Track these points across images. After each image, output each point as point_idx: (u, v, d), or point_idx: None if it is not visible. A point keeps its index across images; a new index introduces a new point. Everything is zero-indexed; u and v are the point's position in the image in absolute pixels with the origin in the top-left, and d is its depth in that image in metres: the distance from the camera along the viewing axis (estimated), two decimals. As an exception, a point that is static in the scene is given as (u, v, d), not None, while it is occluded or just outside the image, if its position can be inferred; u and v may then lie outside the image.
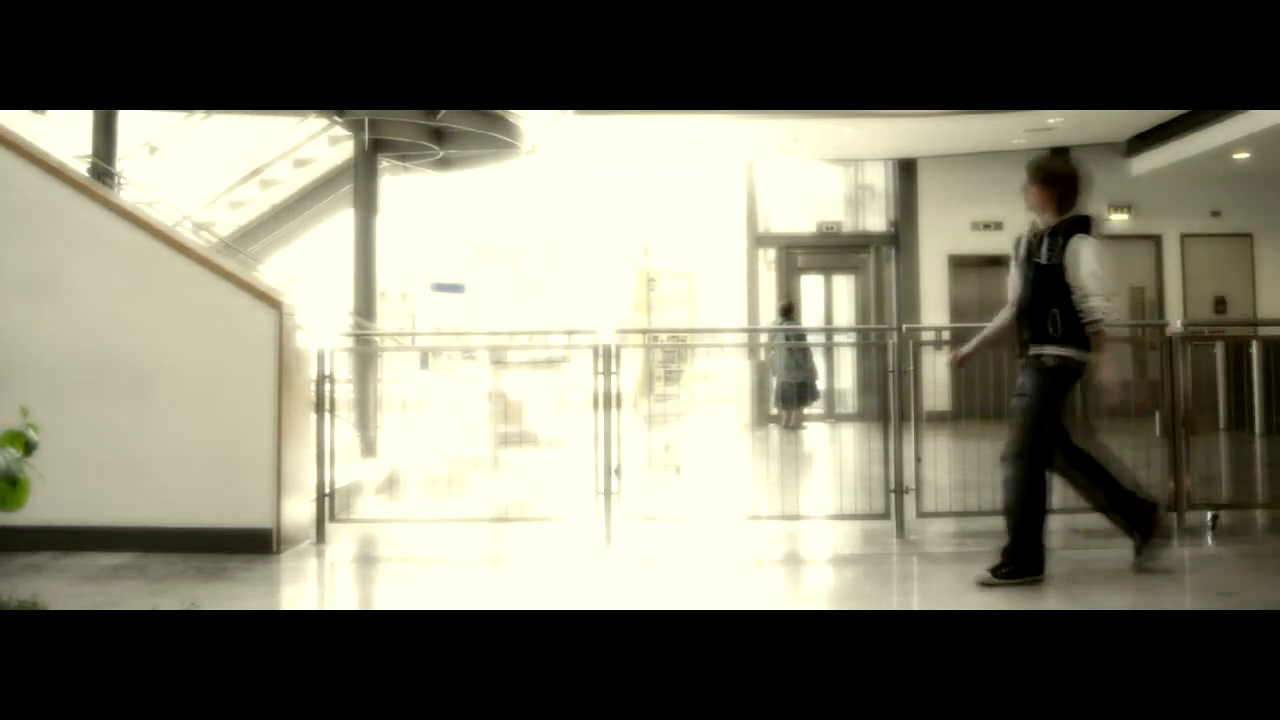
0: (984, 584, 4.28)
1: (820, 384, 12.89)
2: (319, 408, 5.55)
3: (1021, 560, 4.32)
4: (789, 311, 12.31)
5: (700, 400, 12.23)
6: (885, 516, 5.45)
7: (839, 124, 11.79)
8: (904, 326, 5.80)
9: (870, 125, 11.83)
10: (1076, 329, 4.27)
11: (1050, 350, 4.31)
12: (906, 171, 13.79)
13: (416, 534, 5.66)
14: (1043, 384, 4.33)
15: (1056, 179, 4.44)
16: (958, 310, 13.48)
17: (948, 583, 4.52)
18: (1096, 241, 4.32)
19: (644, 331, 9.18)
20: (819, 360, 12.94)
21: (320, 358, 5.59)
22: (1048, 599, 4.13)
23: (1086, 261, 4.25)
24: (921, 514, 5.48)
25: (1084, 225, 4.36)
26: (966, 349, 4.81)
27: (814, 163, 14.12)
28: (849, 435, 11.15)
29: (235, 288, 5.18)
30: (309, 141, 9.71)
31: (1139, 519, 4.54)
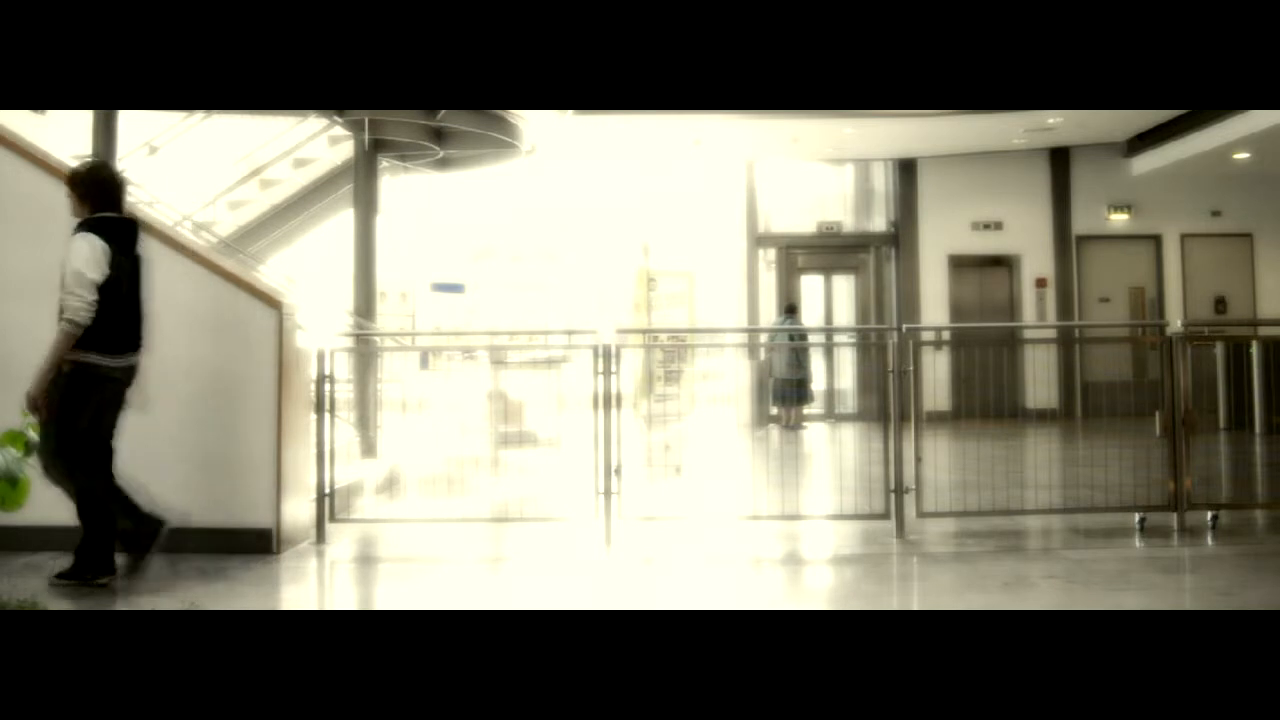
0: (53, 583, 4.34)
1: (816, 385, 12.90)
2: (319, 408, 5.54)
3: (87, 561, 4.37)
4: (793, 311, 12.34)
5: (700, 400, 12.22)
6: (885, 516, 5.45)
7: (839, 124, 11.79)
8: (904, 326, 5.80)
9: (870, 125, 11.83)
10: (89, 332, 4.27)
11: (70, 355, 4.32)
12: (906, 171, 13.78)
13: (416, 534, 5.66)
14: (62, 386, 4.32)
15: (76, 182, 4.49)
16: (958, 310, 13.48)
17: (948, 583, 4.52)
18: (93, 239, 4.30)
19: (644, 331, 9.17)
20: (817, 361, 12.94)
21: (320, 358, 5.59)
22: (1048, 599, 4.12)
23: (72, 257, 4.26)
24: (921, 514, 5.47)
25: (90, 225, 4.36)
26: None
27: (814, 163, 14.11)
28: (849, 435, 11.16)
29: (235, 288, 5.18)
30: (309, 141, 9.69)
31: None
